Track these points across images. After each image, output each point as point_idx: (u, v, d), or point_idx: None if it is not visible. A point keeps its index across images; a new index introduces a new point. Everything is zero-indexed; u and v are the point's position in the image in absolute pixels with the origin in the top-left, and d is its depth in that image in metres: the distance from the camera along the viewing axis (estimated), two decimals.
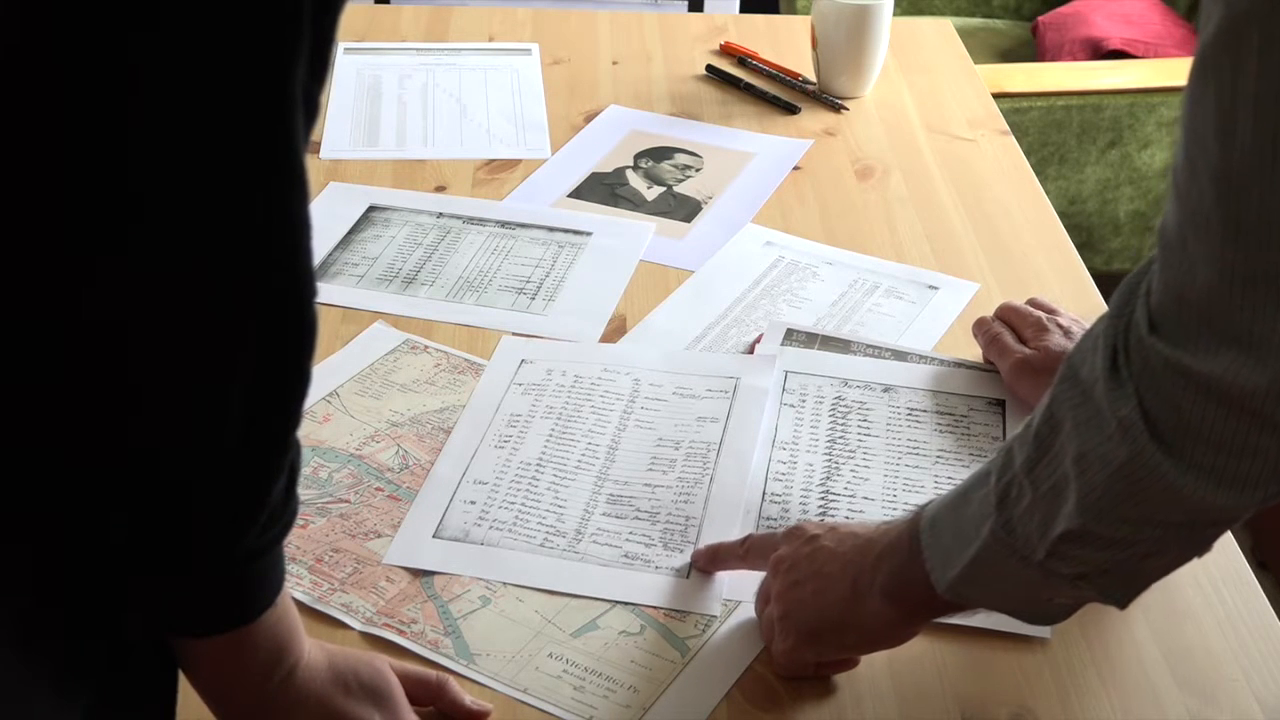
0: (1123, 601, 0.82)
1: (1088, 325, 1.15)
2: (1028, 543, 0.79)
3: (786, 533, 0.95)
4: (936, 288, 1.31)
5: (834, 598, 0.89)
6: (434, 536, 1.03)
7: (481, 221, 1.39)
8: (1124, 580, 0.81)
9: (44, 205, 0.60)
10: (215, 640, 0.75)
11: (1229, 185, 0.67)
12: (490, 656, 0.94)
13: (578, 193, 1.45)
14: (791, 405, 1.15)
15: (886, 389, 1.17)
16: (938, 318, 1.27)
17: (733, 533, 1.03)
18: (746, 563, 0.98)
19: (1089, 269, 1.36)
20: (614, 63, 1.71)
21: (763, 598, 0.96)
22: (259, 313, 0.65)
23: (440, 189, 1.45)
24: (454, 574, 1.00)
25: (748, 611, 0.98)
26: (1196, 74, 0.69)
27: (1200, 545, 0.79)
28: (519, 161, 1.50)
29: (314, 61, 0.62)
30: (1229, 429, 0.71)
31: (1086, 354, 0.77)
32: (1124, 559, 0.78)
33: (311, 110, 0.63)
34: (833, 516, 1.05)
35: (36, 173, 0.59)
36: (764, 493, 1.07)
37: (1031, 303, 1.20)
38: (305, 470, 1.07)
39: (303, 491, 1.05)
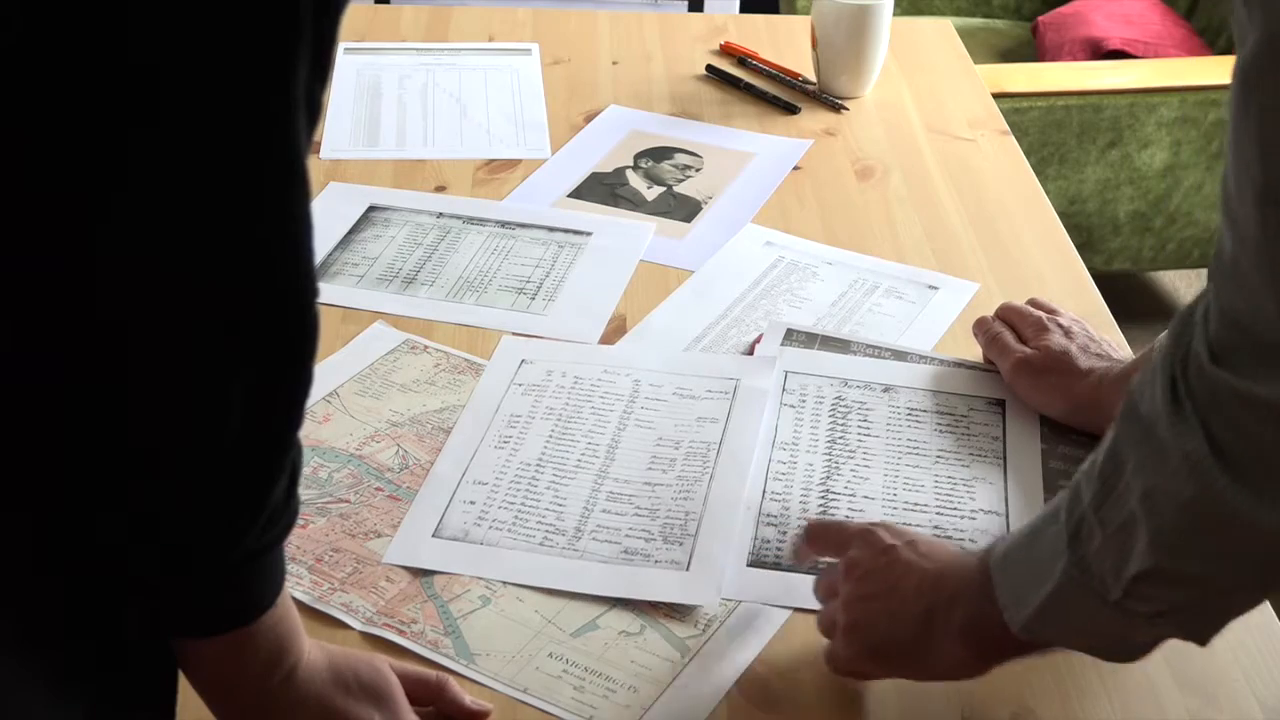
0: (1203, 638, 0.80)
1: (1088, 325, 1.17)
2: (1103, 582, 0.78)
3: (861, 532, 0.93)
4: (936, 288, 1.31)
5: (907, 627, 0.88)
6: (434, 536, 1.03)
7: (481, 221, 1.39)
8: (1204, 617, 0.79)
9: (46, 204, 0.60)
10: (215, 641, 0.75)
11: (1275, 206, 0.66)
12: (490, 656, 0.94)
13: (578, 193, 1.45)
14: (791, 405, 1.15)
15: (886, 389, 1.17)
16: (938, 318, 1.27)
17: (733, 529, 1.03)
18: (813, 547, 0.97)
19: (1089, 269, 1.36)
20: (614, 63, 1.71)
21: (826, 590, 0.94)
22: (260, 313, 0.65)
23: (440, 189, 1.45)
24: (454, 574, 1.00)
25: (748, 611, 0.98)
26: (1237, 95, 0.67)
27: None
28: (519, 161, 1.50)
29: (316, 62, 0.62)
30: None
31: (1145, 388, 0.75)
32: (1202, 596, 0.77)
33: (314, 111, 0.63)
34: (832, 516, 1.05)
35: (39, 170, 0.59)
36: (764, 491, 1.07)
37: (1031, 303, 1.20)
38: (305, 470, 1.07)
39: (303, 491, 1.05)
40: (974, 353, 1.21)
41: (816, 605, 0.98)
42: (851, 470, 1.09)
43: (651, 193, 1.45)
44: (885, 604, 0.89)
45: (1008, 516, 1.06)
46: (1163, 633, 0.81)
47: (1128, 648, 0.83)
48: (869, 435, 1.13)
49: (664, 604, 0.99)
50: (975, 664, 0.88)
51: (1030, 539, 0.83)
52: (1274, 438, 0.69)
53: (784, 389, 1.17)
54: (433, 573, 1.00)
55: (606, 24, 1.80)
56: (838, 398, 1.16)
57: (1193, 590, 0.76)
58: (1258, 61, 0.65)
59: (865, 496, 1.07)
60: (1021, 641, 0.84)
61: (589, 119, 1.58)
